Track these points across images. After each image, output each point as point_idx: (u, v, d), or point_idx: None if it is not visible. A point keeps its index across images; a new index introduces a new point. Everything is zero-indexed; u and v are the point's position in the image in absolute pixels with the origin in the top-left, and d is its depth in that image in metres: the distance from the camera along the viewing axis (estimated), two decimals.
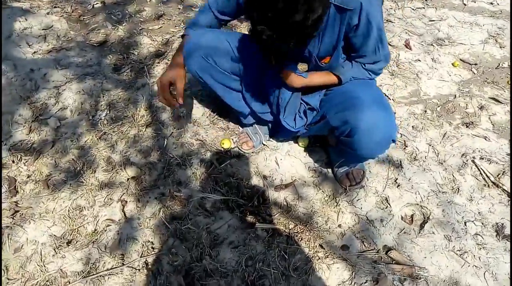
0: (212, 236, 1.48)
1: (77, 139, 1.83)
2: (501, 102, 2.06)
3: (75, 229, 1.53)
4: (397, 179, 1.69)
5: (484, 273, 1.42)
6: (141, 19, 2.54)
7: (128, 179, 1.67)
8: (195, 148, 1.78)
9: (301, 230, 1.51)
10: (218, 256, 1.43)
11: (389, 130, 1.26)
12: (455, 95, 2.10)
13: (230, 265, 1.41)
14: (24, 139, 1.84)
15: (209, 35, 1.42)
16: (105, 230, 1.52)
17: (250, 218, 1.54)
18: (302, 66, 1.41)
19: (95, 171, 1.70)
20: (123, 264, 1.43)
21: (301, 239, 1.49)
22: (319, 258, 1.43)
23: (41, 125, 1.88)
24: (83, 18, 2.52)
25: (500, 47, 2.42)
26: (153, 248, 1.46)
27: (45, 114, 1.92)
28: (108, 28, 2.45)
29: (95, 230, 1.52)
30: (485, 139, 1.87)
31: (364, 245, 1.49)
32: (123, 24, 2.48)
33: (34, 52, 2.21)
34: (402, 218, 1.58)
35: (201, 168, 1.70)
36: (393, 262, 1.44)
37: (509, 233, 1.53)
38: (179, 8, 2.67)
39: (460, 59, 2.33)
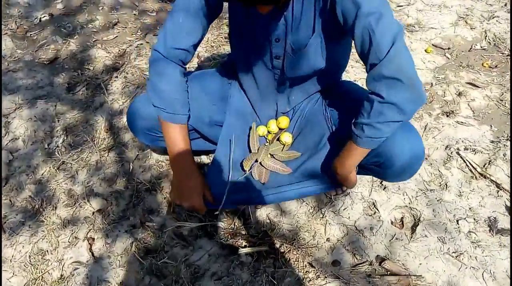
0: (192, 268, 1.35)
1: (33, 173, 1.65)
2: (478, 87, 1.99)
3: (39, 277, 1.37)
4: (382, 181, 1.60)
5: (483, 274, 1.35)
6: (94, 30, 2.35)
7: (93, 213, 1.51)
8: (164, 169, 1.64)
9: (288, 249, 1.40)
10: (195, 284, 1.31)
11: (422, 155, 1.13)
12: (432, 84, 2.03)
13: None
14: None
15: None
16: (73, 275, 1.37)
17: (232, 242, 1.42)
18: (281, 121, 1.34)
19: (55, 207, 1.54)
20: None
21: (289, 260, 1.38)
22: (310, 280, 1.33)
23: None
24: (30, 34, 2.31)
25: (471, 28, 2.36)
26: None
27: None
28: (58, 43, 2.25)
29: (62, 275, 1.37)
30: (467, 127, 1.80)
31: (356, 258, 1.39)
32: (75, 37, 2.29)
33: None
34: (392, 222, 1.49)
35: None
36: (388, 273, 1.35)
37: (502, 227, 1.46)
38: (134, 14, 2.49)
39: (433, 45, 2.25)
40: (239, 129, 1.34)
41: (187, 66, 1.24)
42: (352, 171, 1.18)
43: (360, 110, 1.04)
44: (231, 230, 1.45)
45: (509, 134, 1.76)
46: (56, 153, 1.70)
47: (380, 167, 1.16)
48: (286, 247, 1.41)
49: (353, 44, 1.04)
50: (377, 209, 1.51)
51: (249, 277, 1.33)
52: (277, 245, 1.42)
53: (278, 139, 1.36)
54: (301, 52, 1.10)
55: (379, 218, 1.49)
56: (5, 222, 1.51)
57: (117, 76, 2.03)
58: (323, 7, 1.00)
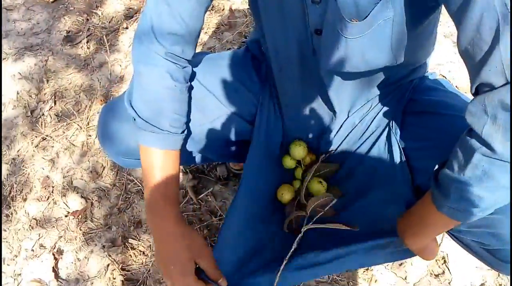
0: None
1: (8, 148, 1.33)
2: None
3: None
4: None
5: None
6: None
7: (67, 214, 1.18)
8: None
9: None
10: None
11: None
12: None
13: None
14: None
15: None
16: None
17: None
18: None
19: (25, 199, 1.22)
20: None
21: None
22: None
23: None
24: None
25: None
26: None
27: None
28: None
29: None
30: None
31: None
32: None
33: None
34: None
35: None
36: None
37: None
38: None
39: None
40: (266, 163, 0.87)
41: (186, 66, 0.74)
42: (430, 241, 0.71)
43: (450, 156, 0.57)
44: None
45: None
46: (39, 124, 1.36)
47: (489, 253, 0.69)
48: None
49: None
50: (448, 268, 1.05)
51: None
52: None
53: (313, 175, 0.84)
54: (362, 27, 0.59)
55: (449, 282, 1.04)
56: None
57: (126, 27, 1.59)
58: None
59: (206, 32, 1.56)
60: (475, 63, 0.48)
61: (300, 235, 0.75)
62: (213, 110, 0.83)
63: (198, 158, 0.91)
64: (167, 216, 0.71)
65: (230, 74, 0.85)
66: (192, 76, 0.80)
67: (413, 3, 0.56)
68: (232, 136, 0.88)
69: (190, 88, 0.78)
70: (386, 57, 0.63)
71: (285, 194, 0.84)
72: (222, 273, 0.71)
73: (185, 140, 0.79)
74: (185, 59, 0.73)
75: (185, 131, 0.75)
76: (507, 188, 0.51)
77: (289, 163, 0.87)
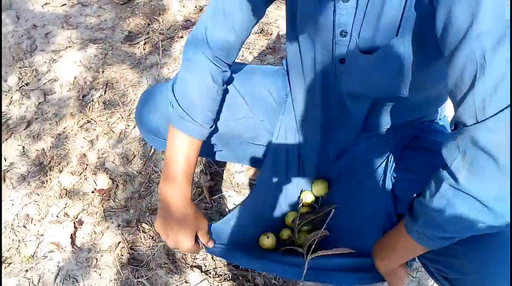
0: None
1: (56, 124, 1.48)
2: None
3: (15, 246, 1.20)
4: None
5: None
6: None
7: (94, 191, 1.30)
8: None
9: None
10: None
11: None
12: None
13: None
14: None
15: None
16: (46, 257, 1.17)
17: None
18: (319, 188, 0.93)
19: (61, 171, 1.35)
20: None
21: None
22: None
23: (23, 98, 1.56)
24: None
25: None
26: None
27: (32, 85, 1.60)
28: None
29: (35, 253, 1.19)
30: None
31: None
32: None
33: (45, 4, 1.87)
34: None
35: None
36: None
37: None
38: None
39: None
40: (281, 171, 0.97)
41: (226, 71, 0.84)
42: (398, 266, 0.76)
43: (426, 185, 0.63)
44: (232, 273, 1.13)
45: None
46: (87, 108, 1.51)
47: (449, 282, 0.73)
48: None
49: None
50: None
51: None
52: None
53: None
54: (369, 59, 0.68)
55: None
56: (9, 170, 1.36)
57: (181, 37, 1.75)
58: None
59: (251, 53, 1.68)
60: (456, 102, 0.54)
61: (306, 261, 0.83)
62: (239, 110, 0.92)
63: (218, 154, 1.01)
64: (182, 189, 0.82)
65: (261, 83, 0.95)
66: (229, 80, 0.90)
67: (422, 45, 0.63)
68: (250, 139, 0.97)
69: (225, 91, 0.88)
70: (394, 87, 0.71)
71: (268, 240, 0.91)
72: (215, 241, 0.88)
73: (210, 134, 0.89)
74: (227, 64, 0.83)
75: (213, 127, 0.85)
76: (467, 220, 0.56)
77: (308, 197, 0.94)
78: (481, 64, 0.49)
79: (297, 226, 0.89)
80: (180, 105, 0.80)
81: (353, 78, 0.74)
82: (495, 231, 0.60)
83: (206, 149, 0.97)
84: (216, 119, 0.88)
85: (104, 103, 1.53)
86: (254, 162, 1.06)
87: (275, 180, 0.97)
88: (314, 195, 0.94)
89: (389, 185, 0.87)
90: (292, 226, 0.92)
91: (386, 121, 0.86)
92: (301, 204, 0.94)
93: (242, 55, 1.65)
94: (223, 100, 0.89)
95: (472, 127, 0.52)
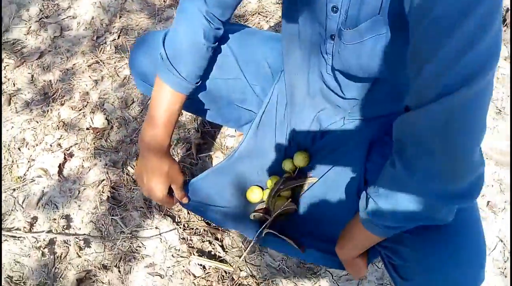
0: (133, 244, 1.12)
1: (67, 59, 1.52)
2: None
3: (8, 165, 1.27)
4: None
5: None
6: None
7: (88, 128, 1.34)
8: (181, 119, 1.38)
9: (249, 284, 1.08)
10: (128, 274, 1.08)
11: None
12: None
13: None
14: (18, 39, 1.58)
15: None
16: (33, 181, 1.24)
17: (192, 241, 1.14)
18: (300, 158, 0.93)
19: (63, 104, 1.40)
20: (29, 231, 1.15)
21: None
22: None
23: (41, 29, 1.60)
24: None
25: None
26: (65, 227, 1.15)
27: (51, 18, 1.64)
28: None
29: (24, 175, 1.25)
30: None
31: None
32: None
33: None
34: None
35: (176, 148, 1.31)
36: None
37: None
38: None
39: None
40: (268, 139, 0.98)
41: (219, 28, 0.83)
42: (356, 256, 0.77)
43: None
44: (203, 229, 1.16)
45: None
46: (99, 49, 1.54)
47: (394, 270, 0.74)
48: (249, 281, 1.09)
49: None
50: None
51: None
52: (242, 274, 1.10)
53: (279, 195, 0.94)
54: (353, 34, 0.68)
55: None
56: (16, 95, 1.42)
57: None
58: None
59: (267, 21, 1.67)
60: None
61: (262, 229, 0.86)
62: (229, 70, 0.93)
63: (207, 114, 1.03)
64: (161, 139, 0.84)
65: (258, 47, 0.95)
66: (224, 39, 0.91)
67: (403, 27, 0.63)
68: (238, 101, 0.98)
69: (218, 49, 0.89)
70: (378, 68, 0.71)
71: (254, 195, 0.93)
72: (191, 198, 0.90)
73: (198, 90, 0.90)
74: (221, 21, 0.82)
75: (199, 83, 0.86)
76: (405, 211, 0.58)
77: (288, 166, 0.95)
78: (432, 49, 0.49)
79: (276, 191, 0.91)
80: (168, 58, 0.81)
81: (341, 55, 0.74)
82: (438, 224, 0.61)
83: (195, 105, 0.99)
84: (204, 76, 0.89)
85: (115, 47, 1.56)
86: (240, 125, 1.07)
87: (261, 143, 0.98)
88: (294, 165, 0.95)
89: (362, 169, 0.88)
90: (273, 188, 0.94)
91: (372, 108, 0.86)
92: (284, 170, 0.96)
93: (258, 23, 1.64)
94: (214, 58, 0.90)
95: (414, 112, 0.52)
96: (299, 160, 0.94)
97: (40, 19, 1.63)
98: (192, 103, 0.96)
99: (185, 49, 0.82)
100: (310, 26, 0.76)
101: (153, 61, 0.89)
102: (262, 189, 0.94)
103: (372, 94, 0.81)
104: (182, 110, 0.94)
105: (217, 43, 0.87)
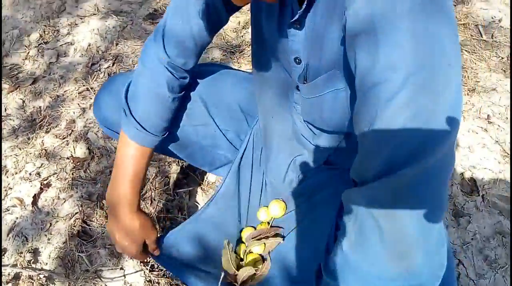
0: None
1: (59, 85, 1.52)
2: None
3: None
4: None
5: None
6: None
7: (69, 157, 1.32)
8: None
9: None
10: None
11: None
12: None
13: None
14: (16, 64, 1.60)
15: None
16: (7, 210, 1.21)
17: None
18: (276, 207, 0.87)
19: (48, 131, 1.39)
20: None
21: None
22: None
23: (38, 55, 1.62)
24: None
25: None
26: (31, 262, 1.11)
27: (50, 43, 1.65)
28: None
29: None
30: None
31: None
32: None
33: None
34: None
35: (158, 177, 1.26)
36: None
37: None
38: None
39: None
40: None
41: (185, 77, 0.79)
42: None
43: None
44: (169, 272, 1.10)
45: None
46: (92, 77, 1.53)
47: None
48: None
49: None
50: None
51: None
52: None
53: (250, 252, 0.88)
54: (311, 88, 0.63)
55: None
56: (4, 121, 1.42)
57: None
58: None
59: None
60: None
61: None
62: (198, 117, 0.88)
63: (181, 157, 0.98)
64: (129, 198, 0.79)
65: (229, 90, 0.90)
66: (193, 83, 0.86)
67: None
68: (210, 147, 0.93)
69: (185, 96, 0.84)
70: (342, 123, 0.66)
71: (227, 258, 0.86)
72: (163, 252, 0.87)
73: (167, 140, 0.86)
74: (185, 70, 0.78)
75: (165, 134, 0.81)
76: None
77: (263, 216, 0.89)
78: (372, 118, 0.42)
79: (245, 253, 0.85)
80: (131, 113, 0.77)
81: (304, 107, 0.70)
82: None
83: (166, 151, 0.95)
84: (171, 126, 0.84)
85: (109, 74, 1.55)
86: (215, 168, 1.02)
87: (237, 192, 0.93)
88: (269, 215, 0.89)
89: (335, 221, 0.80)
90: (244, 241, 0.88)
91: (347, 158, 0.80)
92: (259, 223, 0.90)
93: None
94: (182, 106, 0.86)
95: (357, 189, 0.45)
96: (275, 209, 0.88)
97: (39, 44, 1.65)
98: (163, 149, 0.92)
99: (149, 103, 0.78)
100: (279, 72, 0.71)
101: (117, 108, 0.84)
102: (235, 252, 0.88)
103: (346, 144, 0.75)
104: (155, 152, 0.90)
105: (183, 92, 0.82)
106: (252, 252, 0.87)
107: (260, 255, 0.87)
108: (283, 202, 0.88)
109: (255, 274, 0.82)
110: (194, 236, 0.89)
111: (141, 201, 1.19)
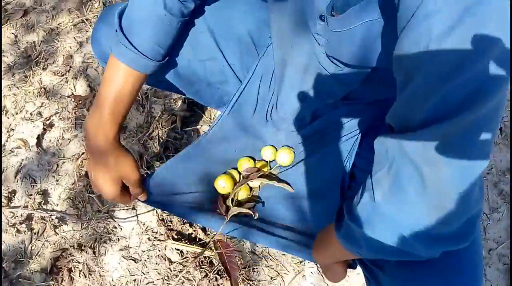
0: (110, 226, 1.06)
1: (52, 17, 1.41)
2: None
3: None
4: None
5: None
6: None
7: (70, 95, 1.26)
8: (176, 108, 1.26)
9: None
10: (102, 256, 1.03)
11: None
12: None
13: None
14: None
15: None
16: (11, 152, 1.18)
17: (168, 228, 1.07)
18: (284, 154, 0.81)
19: (45, 68, 1.31)
20: (7, 205, 1.11)
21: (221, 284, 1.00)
22: None
23: None
24: None
25: None
26: (42, 203, 1.11)
27: None
28: None
29: (3, 146, 1.20)
30: None
31: None
32: None
33: None
34: None
35: (163, 115, 1.20)
36: None
37: None
38: None
39: None
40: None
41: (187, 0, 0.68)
42: (332, 263, 0.68)
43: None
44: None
45: None
46: (86, 7, 1.41)
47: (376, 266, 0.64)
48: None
49: None
50: None
51: (163, 274, 1.00)
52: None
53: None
54: (341, 21, 0.55)
55: None
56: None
57: None
58: None
59: None
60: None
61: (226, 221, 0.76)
62: (205, 50, 0.79)
63: (186, 93, 0.91)
64: (106, 127, 0.69)
65: (240, 20, 0.81)
66: (198, 12, 0.76)
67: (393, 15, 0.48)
68: (218, 83, 0.86)
69: (190, 23, 0.75)
70: (373, 58, 0.59)
71: (222, 184, 0.82)
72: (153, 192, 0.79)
73: (170, 74, 0.78)
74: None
75: (162, 62, 0.73)
76: (383, 243, 0.46)
77: (267, 155, 0.84)
78: (428, 53, 0.35)
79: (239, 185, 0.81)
80: (122, 29, 0.67)
81: (332, 41, 0.61)
82: (419, 260, 0.49)
83: (170, 86, 0.87)
84: (172, 55, 0.75)
85: (104, 4, 1.43)
86: (223, 104, 0.95)
87: (237, 125, 0.87)
88: (274, 156, 0.84)
89: (351, 160, 0.76)
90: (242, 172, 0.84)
91: (366, 93, 0.73)
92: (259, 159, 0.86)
93: None
94: (186, 35, 0.76)
95: (402, 135, 0.40)
96: (283, 156, 0.82)
97: None
98: (167, 84, 0.84)
99: (142, 20, 0.67)
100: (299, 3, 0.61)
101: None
102: (232, 177, 0.84)
103: (371, 79, 0.68)
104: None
105: (187, 17, 0.72)
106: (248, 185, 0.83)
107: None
108: (293, 152, 0.83)
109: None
110: (185, 172, 0.83)
111: (149, 140, 1.15)
